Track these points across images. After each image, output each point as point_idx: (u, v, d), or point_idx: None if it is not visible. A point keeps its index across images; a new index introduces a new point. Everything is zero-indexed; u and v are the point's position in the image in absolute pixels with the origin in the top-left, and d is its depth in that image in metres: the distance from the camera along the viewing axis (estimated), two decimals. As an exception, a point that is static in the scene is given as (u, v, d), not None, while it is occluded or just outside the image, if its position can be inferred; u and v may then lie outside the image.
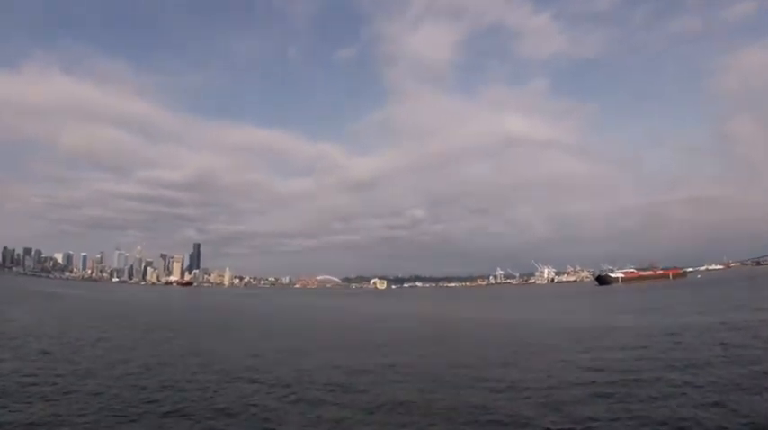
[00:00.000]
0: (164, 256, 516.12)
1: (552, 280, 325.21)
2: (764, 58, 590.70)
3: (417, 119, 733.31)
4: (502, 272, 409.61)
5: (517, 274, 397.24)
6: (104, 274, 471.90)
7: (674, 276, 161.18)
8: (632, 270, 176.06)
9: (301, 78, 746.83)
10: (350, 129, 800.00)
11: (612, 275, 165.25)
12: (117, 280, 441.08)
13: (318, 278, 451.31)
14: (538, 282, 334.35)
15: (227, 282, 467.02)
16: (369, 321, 52.78)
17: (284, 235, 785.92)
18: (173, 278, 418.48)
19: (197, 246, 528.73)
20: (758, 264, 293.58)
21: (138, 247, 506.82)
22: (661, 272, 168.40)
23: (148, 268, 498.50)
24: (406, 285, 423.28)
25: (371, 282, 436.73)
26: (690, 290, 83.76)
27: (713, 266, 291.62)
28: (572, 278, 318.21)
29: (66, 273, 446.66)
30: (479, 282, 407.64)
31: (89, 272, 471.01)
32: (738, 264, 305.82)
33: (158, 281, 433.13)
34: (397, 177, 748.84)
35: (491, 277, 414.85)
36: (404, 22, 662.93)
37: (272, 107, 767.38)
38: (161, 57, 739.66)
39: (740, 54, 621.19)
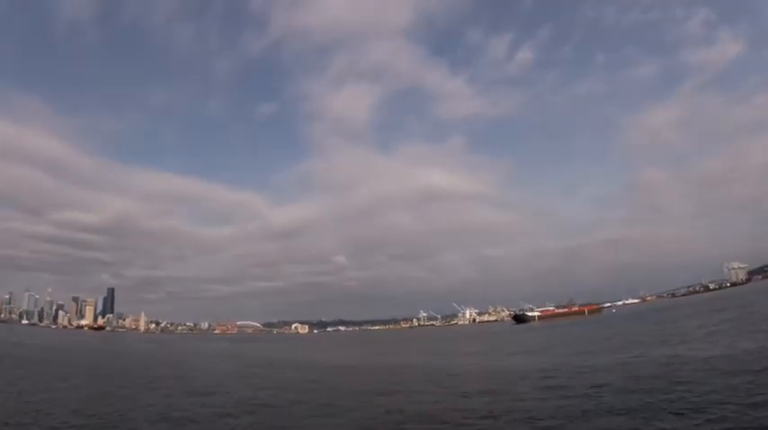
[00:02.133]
0: (76, 299, 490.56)
1: (474, 320, 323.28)
2: (667, 116, 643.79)
3: (339, 172, 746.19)
4: (425, 314, 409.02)
5: (439, 316, 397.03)
6: (13, 316, 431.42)
7: (590, 312, 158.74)
8: (551, 308, 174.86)
9: (222, 130, 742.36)
10: (272, 179, 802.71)
11: (529, 314, 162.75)
12: (27, 322, 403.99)
13: (238, 323, 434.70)
14: (460, 322, 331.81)
15: (142, 327, 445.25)
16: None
17: (204, 280, 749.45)
18: (83, 322, 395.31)
19: (111, 290, 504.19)
20: (673, 295, 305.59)
21: (49, 289, 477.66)
22: (576, 308, 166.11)
23: (60, 311, 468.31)
24: (329, 329, 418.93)
25: (293, 326, 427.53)
26: (594, 326, 79.09)
27: (630, 300, 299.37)
28: (493, 318, 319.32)
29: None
30: (403, 325, 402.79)
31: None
32: (654, 297, 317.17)
33: (70, 324, 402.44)
34: (319, 226, 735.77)
35: (415, 320, 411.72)
36: (325, 81, 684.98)
37: (191, 155, 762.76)
38: (78, 99, 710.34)
39: (645, 113, 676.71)
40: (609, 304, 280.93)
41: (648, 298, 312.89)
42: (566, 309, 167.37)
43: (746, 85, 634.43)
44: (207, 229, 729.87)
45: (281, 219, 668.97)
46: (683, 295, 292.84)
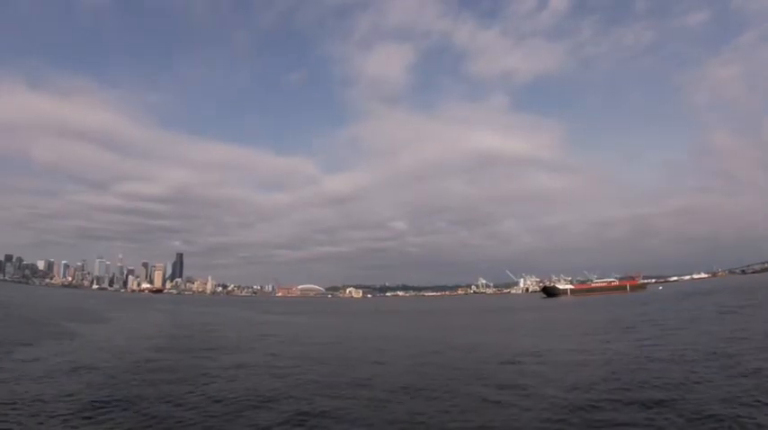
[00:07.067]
0: (145, 265, 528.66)
1: (527, 289, 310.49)
2: (727, 72, 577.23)
3: (383, 136, 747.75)
4: (484, 281, 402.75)
5: (492, 284, 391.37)
6: (85, 282, 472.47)
7: (632, 288, 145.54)
8: (613, 280, 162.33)
9: (255, 99, 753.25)
10: (317, 145, 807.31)
11: (560, 287, 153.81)
12: (97, 287, 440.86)
13: (300, 287, 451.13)
14: (513, 291, 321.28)
15: (209, 290, 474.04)
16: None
17: (271, 246, 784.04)
18: (145, 285, 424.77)
19: (180, 256, 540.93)
20: (743, 272, 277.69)
21: (120, 256, 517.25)
22: (617, 283, 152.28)
23: (129, 276, 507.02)
24: (389, 294, 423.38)
25: (347, 290, 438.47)
26: (615, 306, 68.44)
27: (700, 275, 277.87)
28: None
29: (47, 280, 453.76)
30: (459, 292, 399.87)
31: (69, 279, 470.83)
32: (726, 272, 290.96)
33: (138, 288, 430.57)
34: (373, 192, 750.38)
35: (473, 286, 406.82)
36: (351, 44, 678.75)
37: (232, 124, 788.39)
38: (116, 72, 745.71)
39: (702, 67, 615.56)
40: (676, 278, 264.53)
41: (720, 273, 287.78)
42: (604, 284, 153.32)
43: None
44: (264, 196, 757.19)
45: (333, 185, 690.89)
46: (755, 272, 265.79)
